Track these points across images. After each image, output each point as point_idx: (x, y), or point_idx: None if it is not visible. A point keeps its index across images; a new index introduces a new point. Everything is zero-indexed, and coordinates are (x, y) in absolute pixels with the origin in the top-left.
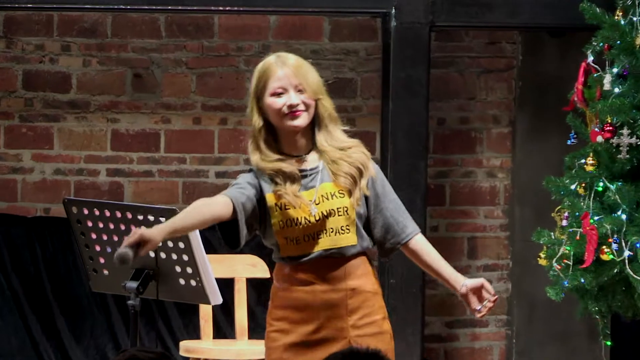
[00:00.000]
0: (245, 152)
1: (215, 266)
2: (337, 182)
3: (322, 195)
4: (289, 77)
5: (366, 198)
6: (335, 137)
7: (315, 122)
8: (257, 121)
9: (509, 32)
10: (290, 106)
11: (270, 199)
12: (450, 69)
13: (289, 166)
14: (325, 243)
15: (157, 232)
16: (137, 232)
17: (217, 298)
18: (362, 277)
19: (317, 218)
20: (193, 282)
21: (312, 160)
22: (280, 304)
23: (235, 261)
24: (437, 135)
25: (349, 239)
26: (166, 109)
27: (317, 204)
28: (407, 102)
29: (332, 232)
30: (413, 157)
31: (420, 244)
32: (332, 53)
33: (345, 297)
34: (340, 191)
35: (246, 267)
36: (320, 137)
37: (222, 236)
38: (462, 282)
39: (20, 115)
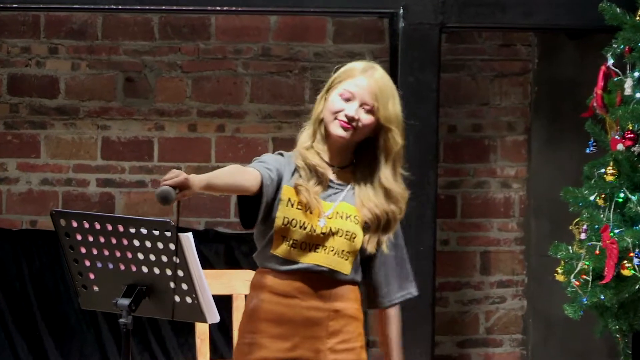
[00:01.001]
0: (244, 161)
1: (212, 282)
2: (359, 209)
3: (337, 212)
4: (365, 90)
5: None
6: (398, 179)
7: (381, 153)
8: (322, 111)
9: (524, 34)
10: (347, 116)
11: (286, 191)
12: (462, 73)
13: (325, 168)
14: (320, 259)
15: (197, 181)
16: (181, 174)
17: (214, 316)
18: (347, 300)
19: (324, 231)
20: (189, 299)
21: (341, 176)
22: (257, 316)
23: (233, 277)
24: (447, 143)
25: (343, 266)
26: (160, 115)
27: (329, 218)
28: (416, 108)
29: (331, 251)
30: (422, 167)
31: (397, 315)
32: (336, 56)
33: (327, 318)
34: (357, 217)
35: (245, 283)
36: (387, 172)
37: (239, 212)
38: None
39: (5, 122)
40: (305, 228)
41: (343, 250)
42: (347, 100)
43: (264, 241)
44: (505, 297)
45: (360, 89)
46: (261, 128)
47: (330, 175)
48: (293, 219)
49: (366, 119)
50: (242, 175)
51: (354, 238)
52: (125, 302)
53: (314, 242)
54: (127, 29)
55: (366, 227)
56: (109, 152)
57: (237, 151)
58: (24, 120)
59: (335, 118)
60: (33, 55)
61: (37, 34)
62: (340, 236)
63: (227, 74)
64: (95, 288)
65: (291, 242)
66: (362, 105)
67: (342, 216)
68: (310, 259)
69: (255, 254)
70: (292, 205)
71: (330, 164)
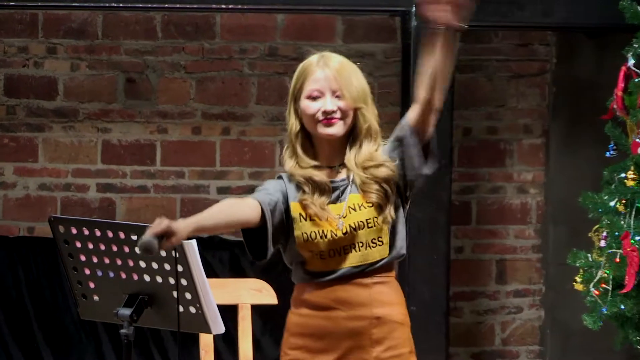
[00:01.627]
0: (250, 165)
1: (216, 291)
2: (364, 195)
3: (349, 207)
4: (328, 80)
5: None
6: (362, 155)
7: (351, 134)
8: (294, 124)
9: (542, 33)
10: (325, 112)
11: (295, 208)
12: (477, 74)
13: (320, 175)
14: (354, 259)
15: (183, 226)
16: (163, 222)
17: (219, 327)
18: (389, 305)
19: (345, 231)
20: (192, 309)
21: (345, 171)
22: (298, 332)
23: (239, 286)
24: (462, 146)
25: (381, 252)
26: (162, 118)
27: (344, 217)
28: None
29: (361, 246)
30: (436, 171)
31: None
32: (346, 56)
33: (369, 326)
34: (368, 202)
35: (251, 292)
36: (350, 154)
37: (246, 246)
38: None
39: (2, 125)
40: (326, 236)
41: (373, 239)
42: (317, 98)
43: (294, 262)
44: (522, 307)
45: (323, 81)
46: (268, 131)
47: (331, 177)
48: (312, 232)
49: (345, 105)
50: (239, 210)
51: (376, 220)
52: (126, 312)
53: (341, 245)
54: (129, 27)
55: (379, 204)
56: (109, 155)
57: (243, 155)
58: (21, 122)
59: (318, 121)
60: (31, 55)
61: (35, 33)
62: (363, 228)
63: (233, 74)
64: (96, 297)
65: (319, 254)
66: (333, 94)
67: (355, 208)
68: (345, 263)
69: (292, 275)
70: (306, 219)
71: (330, 165)
